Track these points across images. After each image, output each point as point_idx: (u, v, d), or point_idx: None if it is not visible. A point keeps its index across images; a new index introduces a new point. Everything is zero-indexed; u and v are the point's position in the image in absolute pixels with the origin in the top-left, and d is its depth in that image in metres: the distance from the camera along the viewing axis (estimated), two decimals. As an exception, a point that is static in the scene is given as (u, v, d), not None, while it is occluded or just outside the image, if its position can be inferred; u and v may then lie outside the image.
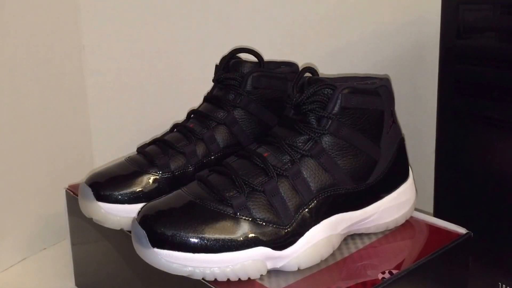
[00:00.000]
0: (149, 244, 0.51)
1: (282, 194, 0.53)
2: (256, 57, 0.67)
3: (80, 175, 0.70)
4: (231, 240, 0.51)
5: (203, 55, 0.76)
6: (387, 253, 0.57)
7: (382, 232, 0.60)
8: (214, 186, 0.54)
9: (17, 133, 0.73)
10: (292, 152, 0.54)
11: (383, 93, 0.57)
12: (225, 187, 0.54)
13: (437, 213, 0.61)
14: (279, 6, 0.82)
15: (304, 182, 0.54)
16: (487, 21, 0.51)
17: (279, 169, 0.54)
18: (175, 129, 0.67)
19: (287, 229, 0.53)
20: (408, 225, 0.61)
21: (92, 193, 0.60)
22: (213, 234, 0.51)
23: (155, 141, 0.66)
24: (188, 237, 0.50)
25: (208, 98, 0.68)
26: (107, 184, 0.61)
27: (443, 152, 0.59)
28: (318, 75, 0.59)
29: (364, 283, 0.52)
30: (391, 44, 0.78)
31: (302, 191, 0.54)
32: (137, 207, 0.59)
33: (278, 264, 0.53)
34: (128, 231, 0.60)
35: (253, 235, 0.52)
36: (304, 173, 0.54)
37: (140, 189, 0.61)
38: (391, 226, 0.60)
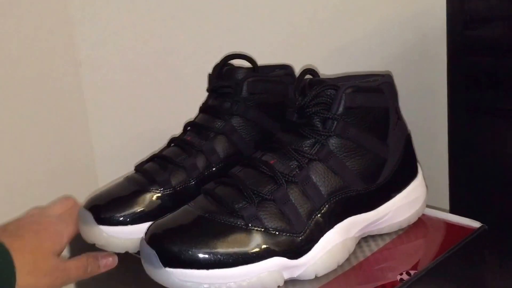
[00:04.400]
0: (160, 263, 0.49)
1: (293, 201, 0.51)
2: (250, 62, 0.66)
3: (81, 188, 0.69)
4: (245, 253, 0.49)
5: (203, 63, 0.72)
6: (403, 254, 0.56)
7: (395, 232, 0.59)
8: (222, 198, 0.52)
9: (17, 147, 0.72)
10: (299, 157, 0.53)
11: (386, 90, 0.56)
12: (233, 198, 0.52)
13: (453, 209, 0.59)
14: (282, 4, 0.80)
15: (314, 187, 0.52)
16: (495, 10, 0.50)
17: (287, 176, 0.52)
18: (172, 144, 0.65)
19: (301, 236, 0.51)
20: (421, 223, 0.60)
21: (92, 217, 0.58)
22: (226, 248, 0.49)
23: (153, 158, 0.64)
24: (200, 254, 0.48)
25: (203, 109, 0.66)
26: (107, 206, 0.58)
27: (456, 146, 0.58)
28: (318, 76, 0.57)
29: (383, 286, 0.51)
30: (397, 39, 0.77)
31: (312, 196, 0.52)
32: (141, 227, 0.57)
33: (295, 273, 0.51)
34: (135, 253, 0.58)
35: (267, 245, 0.50)
36: (313, 177, 0.52)
37: (142, 208, 0.59)
38: (404, 225, 0.59)
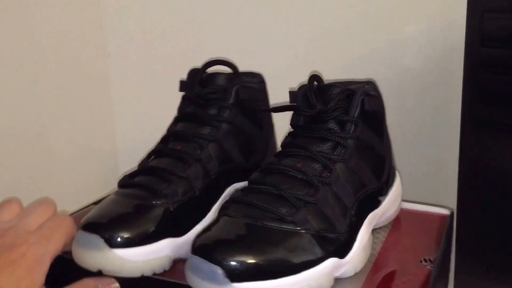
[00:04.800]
0: (227, 280, 0.46)
1: (332, 203, 0.53)
2: (231, 68, 0.65)
3: (104, 182, 0.74)
4: (307, 257, 0.49)
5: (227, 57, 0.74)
6: (410, 243, 0.61)
7: (386, 226, 0.64)
8: (265, 205, 0.51)
9: (41, 137, 0.74)
10: (325, 160, 0.54)
11: (380, 95, 0.61)
12: (277, 204, 0.51)
13: (460, 223, 0.63)
14: (303, 17, 0.81)
15: (344, 187, 0.54)
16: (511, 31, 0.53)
17: (321, 178, 0.53)
18: (156, 155, 0.60)
19: (344, 235, 0.53)
20: (404, 215, 0.66)
21: (102, 240, 0.51)
22: (290, 255, 0.48)
23: (141, 171, 0.58)
24: (268, 263, 0.47)
25: (185, 116, 0.63)
26: (116, 227, 0.52)
27: (467, 160, 0.60)
28: (323, 82, 0.59)
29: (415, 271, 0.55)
30: (416, 52, 0.80)
31: (344, 196, 0.54)
32: (158, 245, 0.53)
33: (339, 272, 0.53)
34: (152, 275, 0.52)
35: (322, 248, 0.50)
36: (342, 178, 0.54)
37: (156, 224, 0.54)
38: (394, 216, 0.64)
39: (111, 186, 0.72)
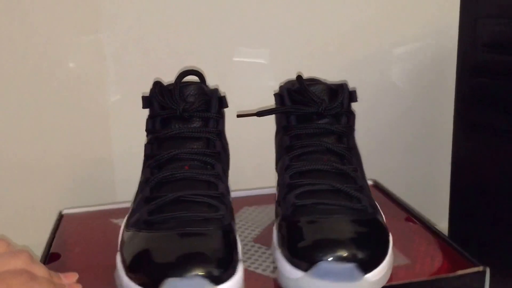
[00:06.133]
0: (361, 273, 0.46)
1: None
2: (199, 78, 0.60)
3: (98, 187, 0.78)
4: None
5: (226, 66, 0.78)
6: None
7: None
8: (341, 201, 0.51)
9: (36, 141, 0.76)
10: (345, 152, 0.56)
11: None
12: (340, 198, 0.52)
13: (452, 226, 0.61)
14: (301, 23, 0.80)
15: (363, 175, 0.57)
16: (504, 36, 0.53)
17: (353, 168, 0.55)
18: (173, 180, 0.53)
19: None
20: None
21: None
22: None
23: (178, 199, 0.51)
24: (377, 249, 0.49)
25: (175, 135, 0.56)
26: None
27: (459, 164, 0.60)
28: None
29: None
30: (411, 57, 0.80)
31: (365, 183, 0.57)
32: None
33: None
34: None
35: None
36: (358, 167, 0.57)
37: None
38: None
39: (106, 191, 0.79)
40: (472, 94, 0.58)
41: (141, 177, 0.55)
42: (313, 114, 0.57)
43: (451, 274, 0.51)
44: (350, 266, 0.45)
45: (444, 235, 0.55)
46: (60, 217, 0.67)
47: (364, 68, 0.82)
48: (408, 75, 0.84)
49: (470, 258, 0.52)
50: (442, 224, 0.64)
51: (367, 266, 0.46)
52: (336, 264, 0.45)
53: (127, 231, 0.49)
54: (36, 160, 0.75)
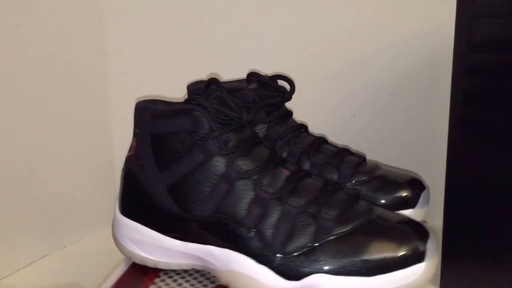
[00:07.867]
0: None
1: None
2: (290, 84, 0.67)
3: (100, 180, 0.79)
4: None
5: (229, 60, 0.79)
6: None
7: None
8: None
9: (36, 136, 0.75)
10: None
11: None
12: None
13: (447, 225, 0.62)
14: (295, 22, 0.83)
15: None
16: (499, 35, 0.53)
17: None
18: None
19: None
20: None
21: None
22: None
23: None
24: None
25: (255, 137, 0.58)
26: None
27: (454, 163, 0.60)
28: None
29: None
30: (406, 57, 0.81)
31: None
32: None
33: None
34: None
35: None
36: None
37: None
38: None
39: (106, 186, 0.79)
40: (467, 94, 0.58)
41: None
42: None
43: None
44: None
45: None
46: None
47: (359, 68, 0.84)
48: (403, 75, 0.85)
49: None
50: (437, 223, 0.64)
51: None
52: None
53: None
54: (36, 160, 0.75)
